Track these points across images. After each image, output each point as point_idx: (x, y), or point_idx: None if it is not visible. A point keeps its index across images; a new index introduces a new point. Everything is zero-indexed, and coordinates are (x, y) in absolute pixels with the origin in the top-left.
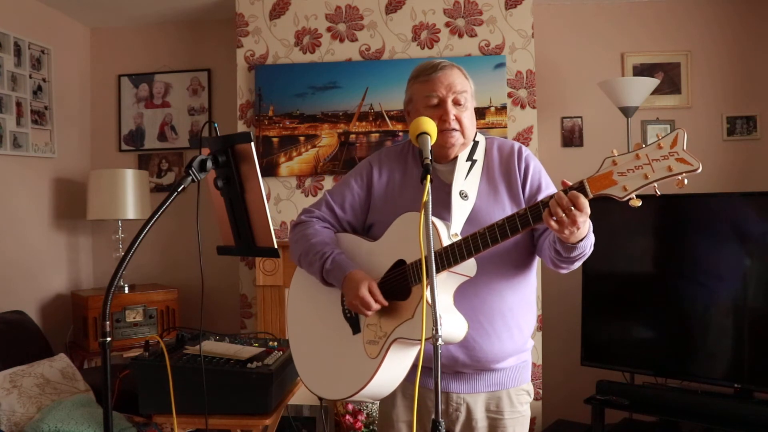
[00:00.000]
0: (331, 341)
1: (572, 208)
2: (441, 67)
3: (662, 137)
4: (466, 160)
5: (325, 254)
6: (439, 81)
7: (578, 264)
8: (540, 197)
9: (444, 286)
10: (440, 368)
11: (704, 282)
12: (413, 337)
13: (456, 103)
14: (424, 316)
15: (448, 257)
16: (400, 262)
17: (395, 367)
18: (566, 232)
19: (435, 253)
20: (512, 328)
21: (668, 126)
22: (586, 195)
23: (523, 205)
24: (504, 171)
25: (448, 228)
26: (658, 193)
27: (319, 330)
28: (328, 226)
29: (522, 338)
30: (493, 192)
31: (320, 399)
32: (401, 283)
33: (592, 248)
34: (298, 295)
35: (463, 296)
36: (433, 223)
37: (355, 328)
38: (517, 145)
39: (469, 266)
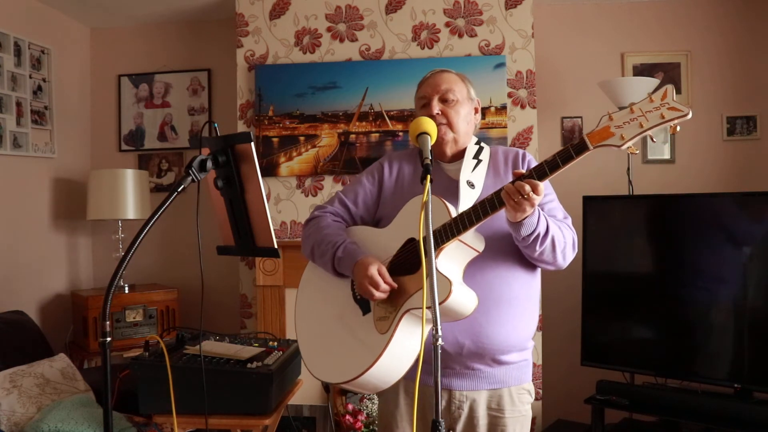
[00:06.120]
0: (340, 324)
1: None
2: (432, 73)
3: (652, 93)
4: (473, 158)
5: (336, 243)
6: (427, 84)
7: (541, 248)
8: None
9: (454, 257)
10: (440, 364)
11: (704, 282)
12: (420, 305)
13: (443, 100)
14: (425, 277)
15: (457, 225)
16: (410, 240)
17: (405, 344)
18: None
19: (444, 225)
20: (517, 318)
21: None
22: (586, 148)
23: None
24: (512, 169)
25: (456, 209)
26: (654, 140)
27: (329, 316)
28: (339, 220)
29: (526, 332)
30: (499, 186)
31: (326, 389)
32: (412, 259)
33: (553, 237)
34: (307, 291)
35: (472, 280)
36: (443, 202)
37: (365, 309)
38: (521, 151)
39: (477, 240)
